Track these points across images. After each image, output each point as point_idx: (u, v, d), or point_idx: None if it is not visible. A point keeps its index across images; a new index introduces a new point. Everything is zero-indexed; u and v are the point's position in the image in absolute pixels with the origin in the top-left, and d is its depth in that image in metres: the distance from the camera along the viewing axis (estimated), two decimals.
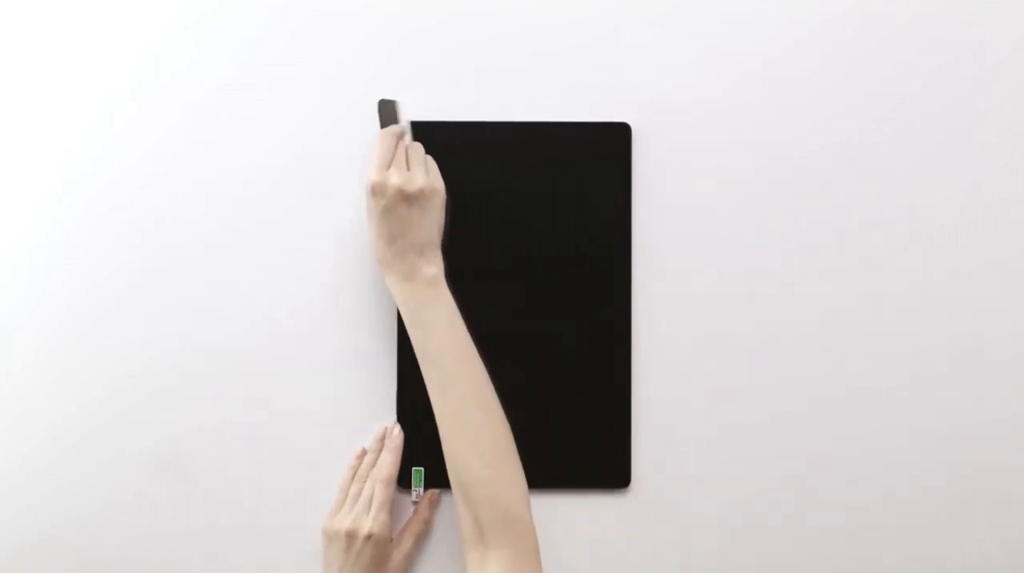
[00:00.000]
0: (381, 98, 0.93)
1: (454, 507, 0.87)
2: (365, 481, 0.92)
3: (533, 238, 0.95)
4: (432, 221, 0.89)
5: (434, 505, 0.94)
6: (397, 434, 0.93)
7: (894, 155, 0.96)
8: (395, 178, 0.87)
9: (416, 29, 0.96)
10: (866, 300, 0.96)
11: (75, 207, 0.95)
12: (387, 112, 0.93)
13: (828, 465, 0.95)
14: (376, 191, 0.87)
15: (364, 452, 0.94)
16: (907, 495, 0.95)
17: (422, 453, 0.94)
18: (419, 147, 0.92)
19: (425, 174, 0.89)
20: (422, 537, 0.94)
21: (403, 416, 0.94)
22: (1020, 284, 0.96)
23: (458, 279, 0.94)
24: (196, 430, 0.95)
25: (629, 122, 0.95)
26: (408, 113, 0.95)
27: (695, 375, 0.95)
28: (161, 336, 0.95)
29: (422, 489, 0.94)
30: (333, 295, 0.95)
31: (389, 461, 0.92)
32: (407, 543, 0.92)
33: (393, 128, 0.91)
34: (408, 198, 0.87)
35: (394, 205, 0.87)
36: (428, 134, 0.95)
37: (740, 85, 0.96)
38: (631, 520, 0.95)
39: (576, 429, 0.94)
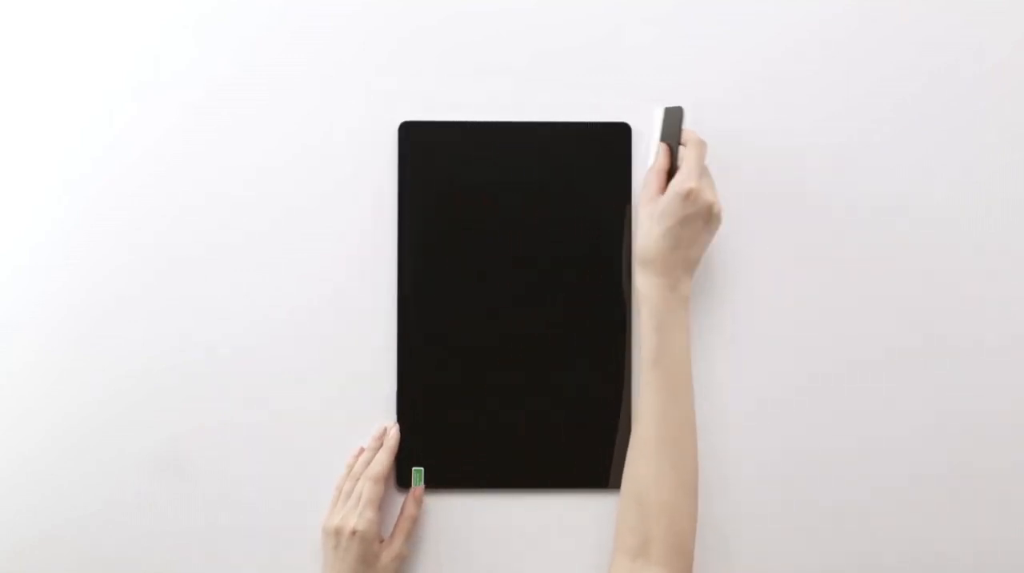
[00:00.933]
0: (668, 106, 0.93)
1: (619, 517, 0.87)
2: (356, 479, 0.92)
3: (533, 238, 0.95)
4: (708, 244, 0.90)
5: (420, 503, 0.94)
6: (393, 434, 0.93)
7: (894, 155, 0.96)
8: (709, 194, 0.88)
9: (416, 29, 0.96)
10: (866, 299, 0.96)
11: (75, 207, 0.95)
12: (672, 120, 0.92)
13: (827, 464, 0.95)
14: (691, 196, 0.86)
15: (362, 451, 0.94)
16: (908, 493, 0.95)
17: (422, 453, 0.94)
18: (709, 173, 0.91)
19: (716, 196, 0.89)
20: (412, 536, 0.94)
21: (403, 416, 0.94)
22: (1021, 284, 0.96)
23: (458, 279, 0.94)
24: (196, 430, 0.95)
25: (629, 122, 0.96)
26: (408, 114, 0.95)
27: (695, 375, 0.95)
28: (161, 336, 0.95)
29: (422, 489, 0.94)
30: (333, 295, 0.95)
31: (381, 459, 0.92)
32: (397, 542, 0.92)
33: (703, 142, 0.90)
34: (708, 215, 0.88)
35: (696, 216, 0.87)
36: (428, 134, 0.95)
37: (740, 85, 0.96)
38: None
39: (575, 429, 0.94)
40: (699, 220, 0.87)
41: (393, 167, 0.95)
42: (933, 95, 0.96)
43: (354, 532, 0.89)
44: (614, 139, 0.95)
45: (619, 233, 0.95)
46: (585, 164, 0.95)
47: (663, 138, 0.92)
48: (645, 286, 0.89)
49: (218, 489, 0.95)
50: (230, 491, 0.95)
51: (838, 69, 0.96)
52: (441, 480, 0.95)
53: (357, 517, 0.89)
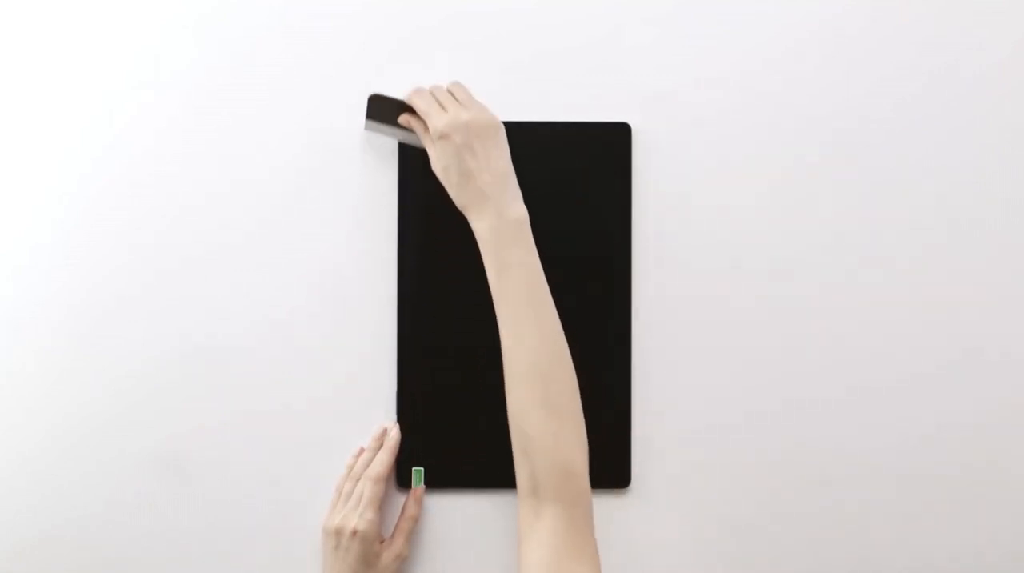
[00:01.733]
0: (372, 94, 0.93)
1: (512, 456, 0.86)
2: (356, 480, 0.92)
3: (533, 238, 0.95)
4: (503, 154, 0.88)
5: (420, 503, 0.94)
6: (394, 434, 0.93)
7: (894, 155, 0.96)
8: (463, 114, 0.86)
9: (416, 29, 0.96)
10: (867, 299, 0.96)
11: (75, 207, 0.95)
12: (379, 105, 0.92)
13: (827, 464, 0.95)
14: (443, 135, 0.86)
15: (362, 451, 0.94)
16: (908, 493, 0.95)
17: (422, 453, 0.94)
18: (463, 87, 0.90)
19: (481, 107, 0.88)
20: (412, 536, 0.94)
21: (403, 416, 0.94)
22: (1021, 283, 0.96)
23: (458, 279, 0.94)
24: (196, 430, 0.95)
25: (629, 122, 0.95)
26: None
27: (695, 375, 0.95)
28: (161, 337, 0.95)
29: (422, 489, 0.94)
30: (333, 295, 0.95)
31: (381, 460, 0.92)
32: (398, 542, 0.92)
33: (421, 89, 0.90)
34: (471, 130, 0.86)
35: (463, 144, 0.86)
36: None
37: (740, 85, 0.96)
38: (631, 520, 0.95)
39: None
40: (471, 141, 0.86)
41: (393, 167, 0.95)
42: (933, 95, 0.96)
43: (355, 532, 0.88)
44: (614, 139, 0.95)
45: (619, 232, 0.95)
46: (585, 164, 0.95)
47: (386, 119, 0.92)
48: (476, 226, 0.87)
49: (218, 489, 0.95)
50: (230, 491, 0.95)
51: (838, 69, 0.96)
52: (441, 480, 0.95)
53: (358, 517, 0.89)
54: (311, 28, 0.96)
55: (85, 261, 0.95)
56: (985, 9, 0.97)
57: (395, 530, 0.93)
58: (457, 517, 0.95)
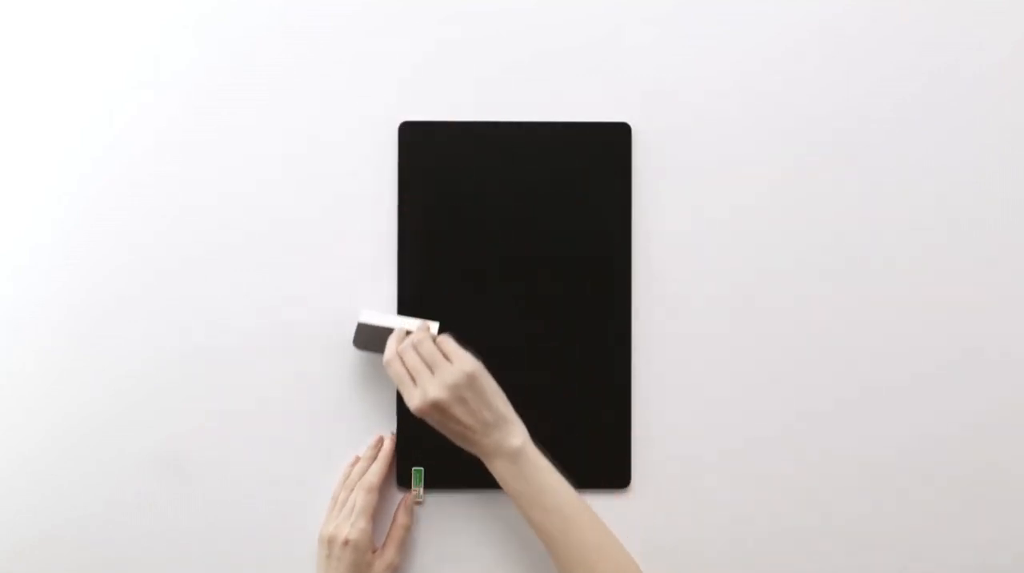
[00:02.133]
0: (360, 322, 0.92)
1: None
2: (353, 489, 0.92)
3: (533, 238, 0.95)
4: (486, 400, 0.87)
5: (411, 512, 0.94)
6: (388, 445, 0.93)
7: (894, 154, 0.96)
8: (432, 391, 0.86)
9: (416, 29, 0.96)
10: (868, 299, 0.96)
11: (75, 207, 0.95)
12: (366, 332, 0.92)
13: (827, 464, 0.95)
14: (425, 412, 0.86)
15: (357, 460, 0.94)
16: (908, 495, 0.95)
17: (422, 453, 0.94)
18: (427, 342, 0.89)
19: (450, 368, 0.87)
20: (404, 545, 0.94)
21: (403, 416, 0.94)
22: (1021, 282, 0.96)
23: (458, 278, 0.94)
24: (196, 430, 0.95)
25: (629, 122, 0.95)
26: (408, 114, 0.95)
27: (695, 375, 0.95)
28: (161, 337, 0.95)
29: (422, 489, 0.94)
30: (333, 295, 0.95)
31: (375, 469, 0.92)
32: (389, 552, 0.92)
33: (395, 356, 0.89)
34: (457, 396, 0.86)
35: (447, 413, 0.86)
36: (428, 134, 0.95)
37: (740, 85, 0.96)
38: (631, 520, 0.95)
39: (576, 429, 0.94)
40: (454, 407, 0.86)
41: (393, 167, 0.95)
42: (933, 94, 0.96)
43: (346, 541, 0.89)
44: (614, 139, 0.95)
45: (619, 232, 0.95)
46: (585, 164, 0.95)
47: (367, 346, 0.92)
48: (494, 473, 0.88)
49: (218, 489, 0.95)
50: (230, 492, 0.95)
51: (838, 69, 0.96)
52: (441, 480, 0.95)
53: (350, 527, 0.89)
54: (311, 28, 0.96)
55: (85, 261, 0.95)
56: (985, 9, 0.97)
57: (387, 539, 0.93)
58: (457, 517, 0.95)
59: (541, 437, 0.94)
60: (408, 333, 0.90)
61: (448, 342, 0.89)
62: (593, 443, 0.94)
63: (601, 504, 0.93)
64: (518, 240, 0.95)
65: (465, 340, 0.92)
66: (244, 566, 0.95)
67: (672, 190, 0.96)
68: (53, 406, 0.95)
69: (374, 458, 0.93)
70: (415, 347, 0.88)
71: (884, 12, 0.97)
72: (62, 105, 0.95)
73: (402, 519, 0.93)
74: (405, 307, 0.94)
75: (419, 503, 0.94)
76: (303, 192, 0.95)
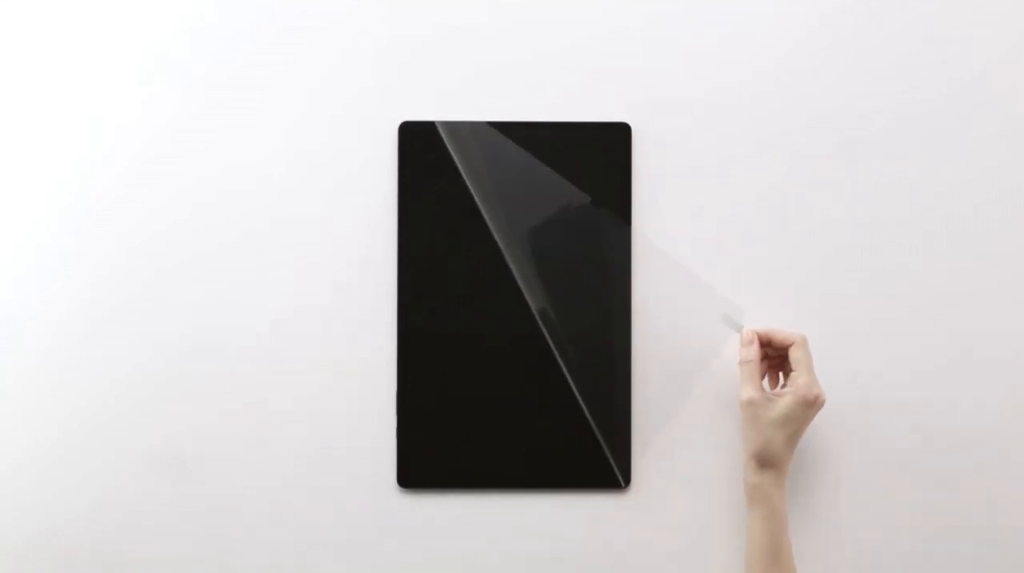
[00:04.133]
0: (726, 315, 0.93)
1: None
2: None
3: (533, 238, 0.95)
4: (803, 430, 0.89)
5: (753, 343, 0.92)
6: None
7: (895, 154, 0.96)
8: (822, 392, 0.88)
9: (416, 29, 0.96)
10: (868, 298, 0.96)
11: (75, 207, 0.95)
12: (733, 319, 0.93)
13: (826, 463, 0.95)
14: (816, 404, 0.88)
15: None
16: (908, 493, 0.95)
17: (422, 453, 0.94)
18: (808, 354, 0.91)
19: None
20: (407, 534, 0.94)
21: (403, 416, 0.94)
22: (1020, 281, 0.96)
23: (458, 279, 0.94)
24: (196, 430, 0.95)
25: (629, 122, 0.95)
26: (408, 114, 0.95)
27: (696, 375, 0.95)
28: (161, 337, 0.95)
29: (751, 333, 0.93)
30: (333, 295, 0.95)
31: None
32: (748, 388, 0.90)
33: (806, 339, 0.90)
34: (816, 408, 0.88)
35: (810, 419, 0.88)
36: (428, 134, 0.95)
37: (740, 85, 0.96)
38: (631, 520, 0.95)
39: (576, 429, 0.94)
40: (808, 418, 0.88)
41: (393, 167, 0.95)
42: (933, 94, 0.96)
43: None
44: (614, 139, 0.95)
45: (619, 232, 0.95)
46: (585, 164, 0.95)
47: (738, 328, 0.93)
48: (764, 484, 0.88)
49: (218, 490, 0.95)
50: (230, 492, 0.95)
51: (838, 68, 0.96)
52: (441, 480, 0.95)
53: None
54: (311, 28, 0.96)
55: (85, 261, 0.95)
56: (985, 9, 0.96)
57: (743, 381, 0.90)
58: (457, 517, 0.95)
59: (541, 437, 0.94)
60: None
61: None
62: (593, 443, 0.94)
63: (601, 504, 0.93)
64: (518, 240, 0.95)
65: (465, 338, 0.93)
66: (244, 566, 0.95)
67: (672, 190, 0.96)
68: (53, 406, 0.95)
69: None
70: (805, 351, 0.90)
71: (885, 11, 0.96)
72: (62, 105, 0.95)
73: (745, 355, 0.92)
74: (404, 306, 0.94)
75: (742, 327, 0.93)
76: (303, 192, 0.95)
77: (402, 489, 0.95)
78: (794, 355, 0.89)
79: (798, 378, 0.88)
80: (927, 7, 0.96)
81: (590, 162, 0.95)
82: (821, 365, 0.94)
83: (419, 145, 0.95)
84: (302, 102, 0.96)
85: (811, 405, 0.87)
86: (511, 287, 0.95)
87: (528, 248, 0.95)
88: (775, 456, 0.88)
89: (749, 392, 0.89)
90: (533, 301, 0.95)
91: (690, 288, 0.96)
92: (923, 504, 0.95)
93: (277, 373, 0.95)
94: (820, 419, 0.93)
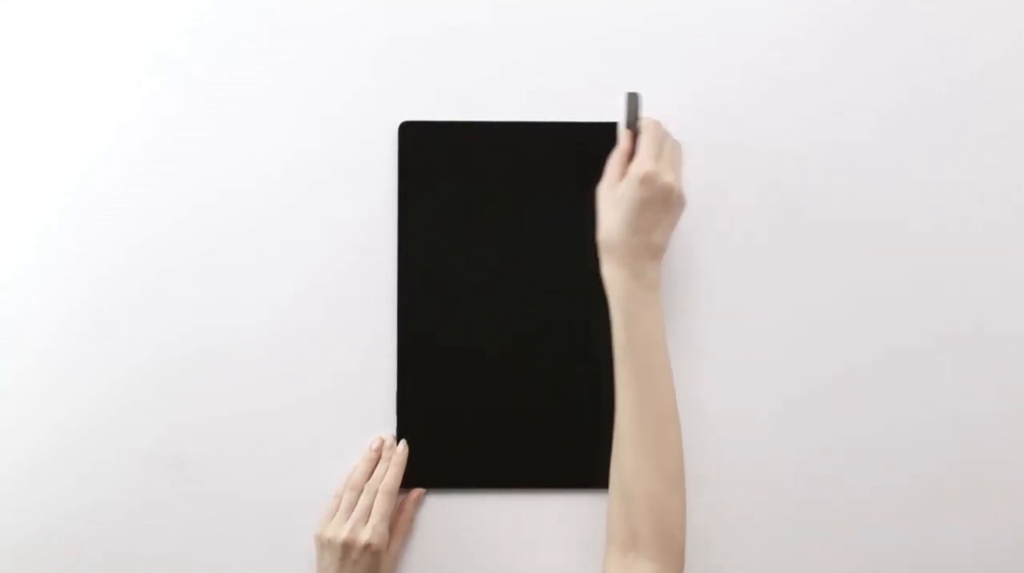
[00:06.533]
0: (628, 91, 0.90)
1: (609, 509, 0.86)
2: (359, 490, 0.92)
3: (533, 238, 0.95)
4: (672, 227, 0.87)
5: (418, 504, 0.94)
6: (402, 449, 0.93)
7: (895, 153, 0.96)
8: (668, 175, 0.85)
9: (416, 29, 0.96)
10: (868, 298, 0.96)
11: (75, 207, 0.95)
12: (632, 104, 0.89)
13: (827, 463, 0.95)
14: (647, 181, 0.84)
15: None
16: (911, 491, 0.95)
17: (422, 453, 0.94)
18: (680, 150, 0.90)
19: (679, 180, 0.87)
20: (407, 536, 0.94)
21: (403, 416, 0.94)
22: (1021, 281, 0.96)
23: (458, 279, 0.94)
24: (196, 430, 0.95)
25: None
26: (408, 114, 0.95)
27: (695, 375, 0.95)
28: (161, 337, 0.95)
29: (421, 491, 0.94)
30: (333, 295, 0.95)
31: (393, 473, 0.92)
32: (395, 545, 0.93)
33: (658, 123, 0.88)
34: (669, 199, 0.85)
35: (655, 200, 0.84)
36: (428, 134, 0.95)
37: (740, 85, 0.96)
38: None
39: (576, 429, 0.94)
40: (657, 203, 0.85)
41: (393, 167, 0.95)
42: (934, 93, 0.96)
43: (367, 546, 0.89)
44: (614, 139, 0.95)
45: None
46: (585, 164, 0.95)
47: (627, 124, 0.90)
48: (609, 275, 0.86)
49: (218, 490, 0.95)
50: (230, 491, 0.95)
51: (838, 69, 0.96)
52: (441, 480, 0.95)
53: (370, 531, 0.89)
54: (311, 28, 0.96)
55: (87, 261, 0.95)
56: (985, 9, 0.97)
57: (393, 532, 0.93)
58: (457, 517, 0.95)
59: (540, 436, 0.94)
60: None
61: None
62: (593, 443, 0.94)
63: (601, 504, 0.93)
64: (518, 240, 0.95)
65: (465, 338, 0.93)
66: (244, 566, 0.95)
67: None
68: (53, 406, 0.95)
69: (376, 460, 0.93)
70: (674, 145, 0.88)
71: (887, 11, 0.97)
72: (62, 105, 0.95)
73: (410, 512, 0.94)
74: (405, 307, 0.94)
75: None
76: (303, 192, 0.95)
77: (403, 489, 0.95)
78: (639, 141, 0.87)
79: (635, 158, 0.86)
80: (927, 7, 0.97)
81: (590, 162, 0.95)
82: (821, 364, 0.94)
83: (419, 145, 0.95)
84: (302, 102, 0.96)
85: (643, 183, 0.84)
86: (511, 287, 0.95)
87: (528, 248, 0.95)
88: (612, 238, 0.85)
89: (601, 183, 0.88)
90: (532, 301, 0.95)
91: (690, 287, 0.96)
92: (924, 503, 0.95)
93: (277, 373, 0.95)
94: (820, 419, 0.93)
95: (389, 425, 0.95)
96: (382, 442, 0.94)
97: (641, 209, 0.84)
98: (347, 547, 0.89)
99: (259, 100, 0.96)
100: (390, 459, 0.93)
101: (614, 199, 0.86)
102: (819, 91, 0.96)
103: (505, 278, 0.95)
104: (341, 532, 0.90)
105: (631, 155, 0.88)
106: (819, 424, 0.95)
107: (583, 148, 0.95)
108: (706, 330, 0.96)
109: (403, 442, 0.94)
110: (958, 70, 0.96)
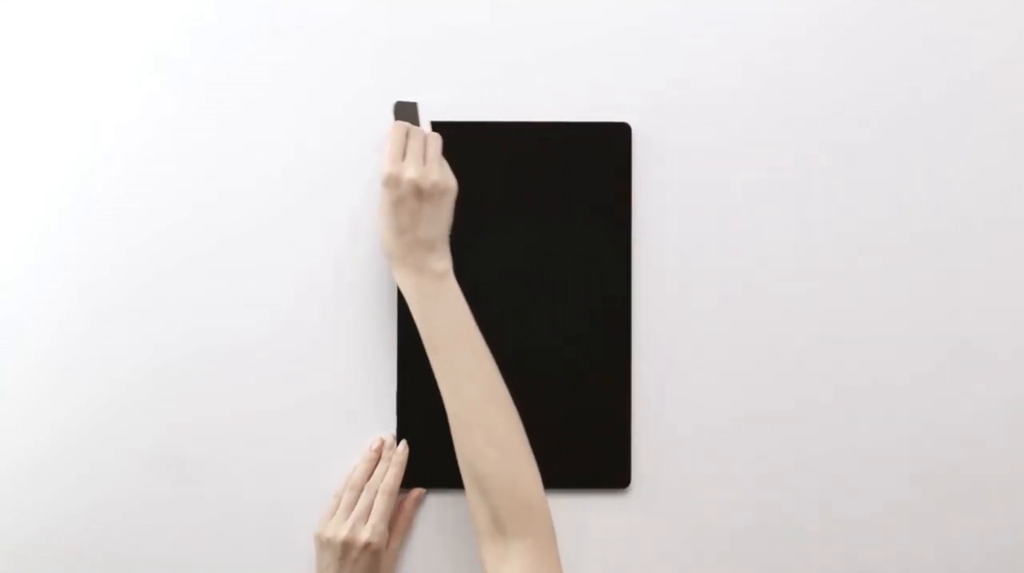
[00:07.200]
0: (398, 100, 0.93)
1: (468, 503, 0.86)
2: (359, 490, 0.92)
3: (533, 238, 0.95)
4: (443, 217, 0.89)
5: (418, 503, 0.94)
6: (402, 449, 0.93)
7: (895, 153, 0.96)
8: (410, 171, 0.87)
9: (416, 29, 0.96)
10: (868, 298, 0.96)
11: (75, 208, 0.95)
12: (404, 113, 0.92)
13: (827, 464, 0.95)
14: (389, 183, 0.87)
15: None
16: (907, 493, 0.95)
17: (422, 453, 0.94)
18: (438, 141, 0.91)
19: (440, 170, 0.89)
20: (406, 535, 0.95)
21: (403, 415, 0.94)
22: (1021, 281, 0.96)
23: (457, 279, 0.94)
24: (196, 430, 0.95)
25: (629, 122, 0.96)
26: (426, 113, 0.95)
27: (695, 375, 0.95)
28: (161, 337, 0.95)
29: (422, 491, 0.94)
30: (333, 295, 0.95)
31: (393, 473, 0.92)
32: (394, 544, 0.93)
33: (403, 123, 0.90)
34: (421, 192, 0.87)
35: (406, 198, 0.87)
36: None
37: (740, 85, 0.96)
38: (631, 520, 0.95)
39: (576, 429, 0.94)
40: (411, 200, 0.87)
41: None
42: (934, 93, 0.96)
43: (367, 545, 0.89)
44: (614, 139, 0.95)
45: (619, 232, 0.95)
46: (585, 164, 0.95)
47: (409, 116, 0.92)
48: (396, 277, 0.88)
49: (218, 490, 0.95)
50: (230, 491, 0.95)
51: (838, 68, 0.96)
52: (441, 480, 0.95)
53: (370, 530, 0.89)
54: (311, 28, 0.96)
55: (85, 261, 0.95)
56: (985, 9, 0.97)
57: (392, 531, 0.93)
58: (457, 517, 0.95)
59: (541, 436, 0.94)
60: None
61: (444, 161, 0.90)
62: (593, 443, 0.94)
63: (601, 504, 0.93)
64: (517, 240, 0.95)
65: None
66: (244, 566, 0.95)
67: (672, 190, 0.96)
68: (53, 406, 0.95)
69: (376, 460, 0.93)
70: (426, 138, 0.90)
71: (886, 12, 0.97)
72: (62, 105, 0.95)
73: (410, 510, 0.94)
74: (405, 307, 0.94)
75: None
76: (303, 192, 0.95)
77: (402, 489, 0.95)
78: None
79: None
80: (927, 7, 0.97)
81: (590, 162, 0.95)
82: (821, 364, 0.94)
83: None
84: (302, 102, 0.96)
85: (387, 186, 0.86)
86: (510, 287, 0.95)
87: (527, 248, 0.95)
88: (385, 246, 0.88)
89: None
90: (532, 301, 0.95)
91: (690, 287, 0.96)
92: (925, 503, 0.95)
93: (277, 373, 0.95)
94: (818, 419, 0.93)
95: (389, 425, 0.95)
96: (382, 442, 0.94)
97: (396, 210, 0.87)
98: (347, 546, 0.89)
99: (259, 100, 0.96)
100: (390, 459, 0.93)
101: (378, 208, 0.88)
102: (819, 91, 0.96)
103: (505, 278, 0.95)
104: (341, 531, 0.90)
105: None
106: (817, 425, 0.95)
107: (583, 148, 0.95)
108: (705, 330, 0.96)
109: (403, 442, 0.94)
110: (958, 70, 0.97)
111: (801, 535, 0.95)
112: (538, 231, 0.95)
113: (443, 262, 0.89)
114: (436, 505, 0.95)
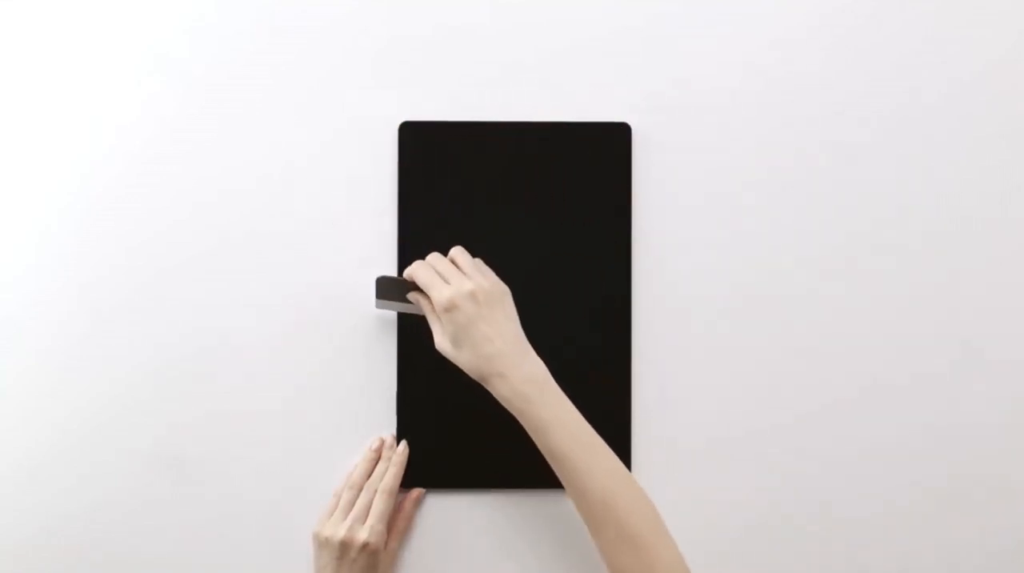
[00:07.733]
0: (380, 275, 0.91)
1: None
2: (358, 489, 0.92)
3: (533, 238, 0.95)
4: (496, 323, 0.85)
5: (417, 504, 0.94)
6: (402, 449, 0.93)
7: (895, 154, 0.96)
8: (446, 293, 0.85)
9: (416, 29, 0.96)
10: (868, 299, 0.96)
11: (75, 208, 0.95)
12: (388, 287, 0.91)
13: (828, 465, 0.95)
14: (449, 307, 0.84)
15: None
16: (908, 495, 0.95)
17: (422, 453, 0.94)
18: (462, 253, 0.89)
19: (482, 276, 0.87)
20: (406, 535, 0.94)
21: (403, 416, 0.94)
22: (1020, 281, 0.96)
23: None
24: (196, 431, 0.95)
25: (629, 122, 0.95)
26: (408, 114, 0.95)
27: (695, 376, 0.95)
28: (161, 337, 0.95)
29: (421, 491, 0.94)
30: (333, 295, 0.95)
31: (393, 473, 0.92)
32: (393, 544, 0.93)
33: (424, 263, 0.89)
34: (472, 305, 0.85)
35: (463, 318, 0.84)
36: (428, 134, 0.95)
37: (740, 85, 0.96)
38: None
39: None
40: (465, 318, 0.84)
41: (393, 167, 0.95)
42: (935, 93, 0.96)
43: (365, 545, 0.89)
44: (614, 139, 0.95)
45: (619, 232, 0.95)
46: (585, 164, 0.95)
47: (397, 298, 0.90)
48: (498, 396, 0.85)
49: (218, 490, 0.95)
50: (230, 491, 0.95)
51: (838, 68, 0.96)
52: (441, 480, 0.95)
53: (368, 531, 0.89)
54: (311, 28, 0.96)
55: (85, 261, 0.95)
56: (985, 9, 0.97)
57: (391, 531, 0.93)
58: (457, 517, 0.95)
59: None
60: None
61: (480, 261, 0.89)
62: None
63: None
64: (518, 240, 0.95)
65: None
66: (244, 566, 0.95)
67: (672, 190, 0.96)
68: (53, 406, 0.95)
69: (375, 460, 0.93)
70: (451, 257, 0.89)
71: (886, 12, 0.97)
72: (62, 105, 0.95)
73: (409, 511, 0.94)
74: None
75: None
76: (303, 192, 0.95)
77: (402, 489, 0.95)
78: (421, 285, 0.88)
79: (431, 296, 0.86)
80: (927, 7, 0.96)
81: (590, 162, 0.95)
82: (820, 364, 0.94)
83: (419, 145, 0.95)
84: (302, 102, 0.96)
85: (446, 312, 0.84)
86: (510, 287, 0.94)
87: (527, 248, 0.95)
88: (471, 372, 0.85)
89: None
90: (532, 300, 0.95)
91: (690, 287, 0.96)
92: (925, 503, 0.95)
93: (277, 373, 0.95)
94: (819, 419, 0.93)
95: (389, 425, 0.95)
96: (382, 442, 0.94)
97: (470, 326, 0.84)
98: (345, 546, 0.89)
99: (259, 100, 0.96)
100: (390, 459, 0.93)
101: (445, 340, 0.86)
102: (819, 91, 0.96)
103: (505, 278, 0.94)
104: (339, 531, 0.90)
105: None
106: (817, 425, 0.95)
107: (583, 148, 0.95)
108: (705, 330, 0.95)
109: (403, 442, 0.94)
110: (958, 70, 0.96)
111: (801, 535, 0.95)
112: (538, 231, 0.95)
113: (536, 366, 0.86)
114: (436, 505, 0.95)
